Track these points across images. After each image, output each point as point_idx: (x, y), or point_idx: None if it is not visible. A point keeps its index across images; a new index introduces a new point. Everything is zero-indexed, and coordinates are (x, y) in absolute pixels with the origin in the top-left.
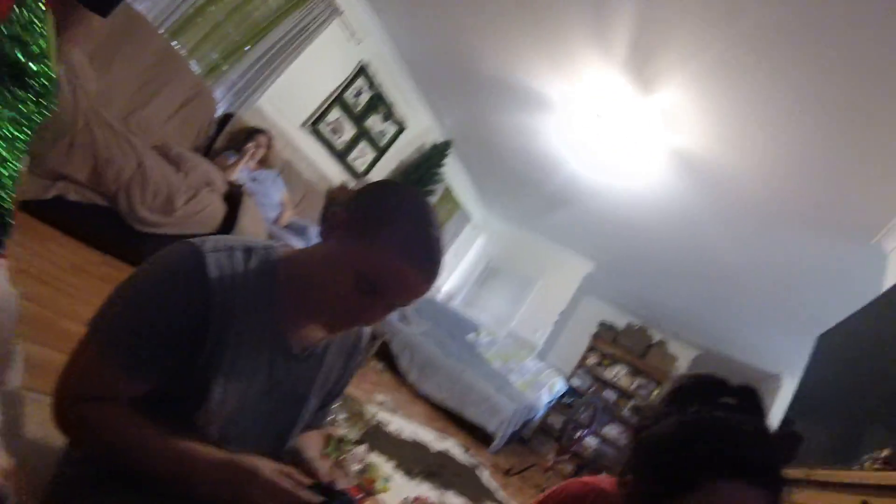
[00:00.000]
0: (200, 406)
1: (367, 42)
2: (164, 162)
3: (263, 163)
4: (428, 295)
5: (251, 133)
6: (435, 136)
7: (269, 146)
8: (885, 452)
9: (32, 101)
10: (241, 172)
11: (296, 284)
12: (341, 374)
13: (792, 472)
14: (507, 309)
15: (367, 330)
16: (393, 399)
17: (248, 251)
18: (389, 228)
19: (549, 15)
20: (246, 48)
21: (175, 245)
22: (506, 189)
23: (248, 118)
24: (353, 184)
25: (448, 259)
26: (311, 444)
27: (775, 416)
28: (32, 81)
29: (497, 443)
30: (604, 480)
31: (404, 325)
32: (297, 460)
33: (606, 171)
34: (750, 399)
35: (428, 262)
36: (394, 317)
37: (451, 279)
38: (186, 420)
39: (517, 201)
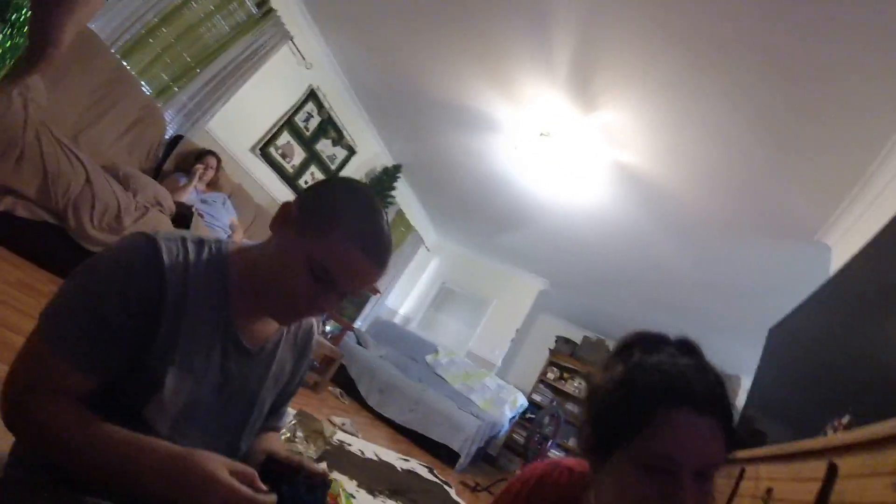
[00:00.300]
0: (150, 399)
1: (317, 67)
2: (112, 180)
3: (212, 185)
4: (385, 318)
5: (200, 154)
6: (385, 161)
7: (217, 168)
8: (846, 420)
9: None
10: (191, 194)
11: (248, 277)
12: (293, 371)
13: (758, 452)
14: (464, 330)
15: (315, 327)
16: (353, 422)
17: (201, 243)
18: (341, 219)
19: (493, 39)
20: (197, 70)
21: (128, 235)
22: (457, 211)
23: (197, 140)
24: None
25: (404, 282)
26: (271, 441)
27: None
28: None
29: (462, 461)
30: (569, 460)
31: (362, 349)
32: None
33: (554, 189)
34: (688, 346)
35: (378, 250)
36: (351, 341)
37: (408, 302)
38: (135, 415)
39: (469, 223)
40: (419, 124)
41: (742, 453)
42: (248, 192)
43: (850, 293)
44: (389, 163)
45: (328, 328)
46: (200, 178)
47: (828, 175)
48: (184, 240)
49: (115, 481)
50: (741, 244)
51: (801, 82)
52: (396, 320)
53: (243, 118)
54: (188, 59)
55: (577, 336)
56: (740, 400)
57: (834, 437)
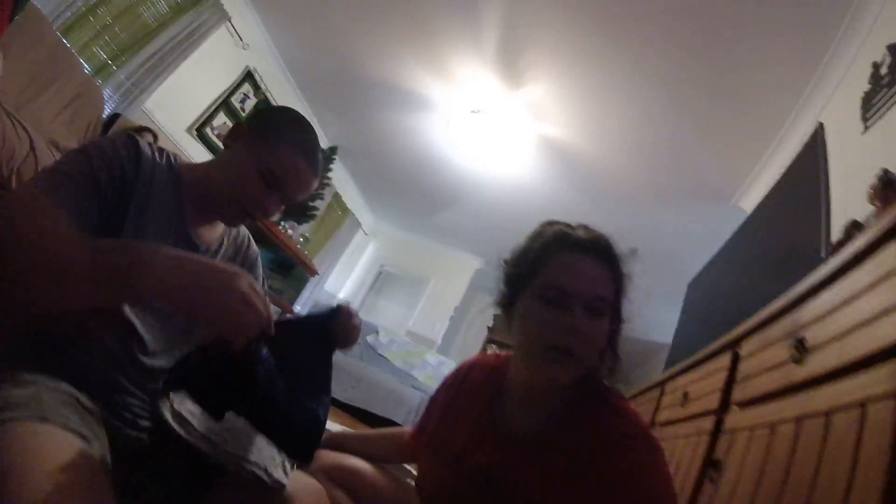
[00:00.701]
0: None
1: (254, 48)
2: (55, 151)
3: None
4: (325, 302)
5: (137, 131)
6: (321, 143)
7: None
8: None
9: None
10: None
11: (200, 186)
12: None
13: (673, 369)
14: (403, 311)
15: (249, 237)
16: None
17: (162, 152)
18: (287, 134)
19: (425, 19)
20: (135, 49)
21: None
22: (393, 193)
23: (135, 119)
24: None
25: (342, 266)
26: None
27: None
28: None
29: None
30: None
31: None
32: None
33: (485, 165)
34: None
35: (315, 159)
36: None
37: (347, 286)
38: None
39: (405, 204)
40: (354, 106)
41: (662, 375)
42: None
43: (756, 239)
44: (325, 145)
45: None
46: None
47: (741, 141)
48: (150, 145)
49: (119, 285)
50: (664, 211)
51: (712, 51)
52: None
53: (180, 98)
54: (126, 38)
55: None
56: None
57: (735, 331)
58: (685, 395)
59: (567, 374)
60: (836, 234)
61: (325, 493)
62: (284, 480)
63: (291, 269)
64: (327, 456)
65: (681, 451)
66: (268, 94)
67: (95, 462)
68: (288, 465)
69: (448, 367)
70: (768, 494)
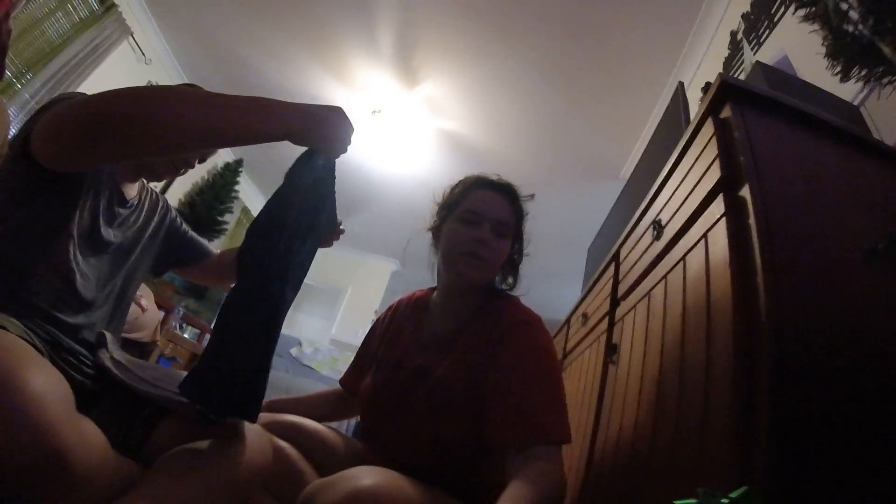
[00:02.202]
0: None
1: (156, 62)
2: None
3: None
4: None
5: None
6: (225, 156)
7: None
8: None
9: None
10: None
11: None
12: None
13: (573, 307)
14: (324, 322)
15: (166, 199)
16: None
17: None
18: None
19: (323, 25)
20: (39, 67)
21: None
22: None
23: None
24: None
25: None
26: None
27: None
28: None
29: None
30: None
31: None
32: None
33: (389, 165)
34: None
35: None
36: None
37: None
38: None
39: None
40: None
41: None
42: None
43: (630, 204)
44: (231, 158)
45: (186, 335)
46: None
47: (622, 118)
48: None
49: (242, 121)
50: (562, 192)
51: (589, 34)
52: None
53: None
54: (31, 56)
55: None
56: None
57: (617, 244)
58: (584, 315)
59: (477, 274)
60: None
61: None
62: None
63: (206, 290)
64: (264, 415)
65: (587, 358)
66: None
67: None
68: None
69: None
70: (655, 346)
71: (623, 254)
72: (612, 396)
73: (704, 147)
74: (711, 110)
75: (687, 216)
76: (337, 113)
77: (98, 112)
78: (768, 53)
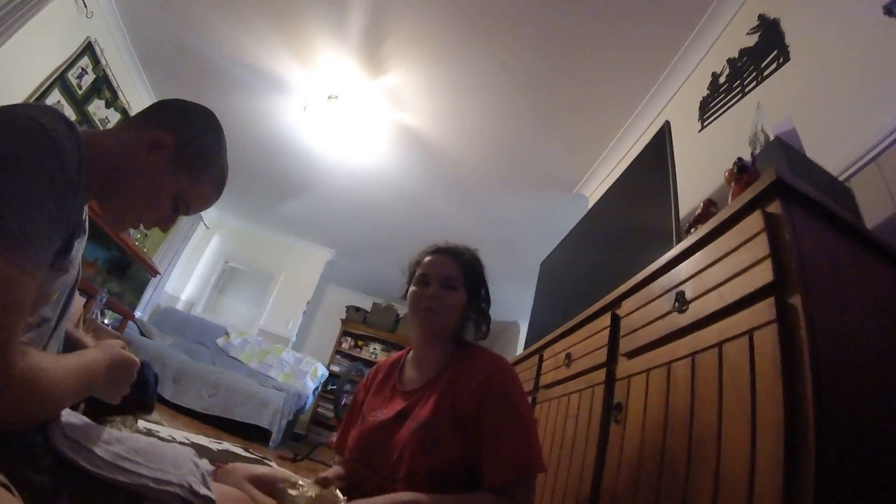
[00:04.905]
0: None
1: (98, 16)
2: None
3: None
4: (167, 305)
5: None
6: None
7: None
8: None
9: None
10: None
11: (105, 172)
12: None
13: (548, 336)
14: (252, 309)
15: None
16: (154, 418)
17: (70, 124)
18: (212, 169)
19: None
20: None
21: (15, 123)
22: (239, 183)
23: None
24: None
25: (183, 264)
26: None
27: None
28: None
29: (275, 437)
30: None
31: (147, 340)
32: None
33: (338, 152)
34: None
35: (224, 186)
36: (134, 332)
37: (189, 286)
38: None
39: (251, 195)
40: (202, 86)
41: (536, 344)
42: None
43: (607, 221)
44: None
45: (107, 320)
46: None
47: (585, 135)
48: (60, 119)
49: (83, 392)
50: (513, 199)
51: (563, 53)
52: (179, 306)
53: (10, 74)
54: None
55: (366, 303)
56: (522, 341)
57: (614, 292)
58: (568, 356)
59: (435, 324)
60: (683, 212)
61: (248, 498)
62: (211, 494)
63: (127, 269)
64: (246, 468)
65: (576, 404)
66: (107, 70)
67: None
68: (207, 475)
69: (305, 363)
70: (679, 422)
71: (626, 308)
72: (620, 456)
73: (750, 239)
74: (759, 201)
75: (725, 303)
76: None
77: None
78: (773, 119)
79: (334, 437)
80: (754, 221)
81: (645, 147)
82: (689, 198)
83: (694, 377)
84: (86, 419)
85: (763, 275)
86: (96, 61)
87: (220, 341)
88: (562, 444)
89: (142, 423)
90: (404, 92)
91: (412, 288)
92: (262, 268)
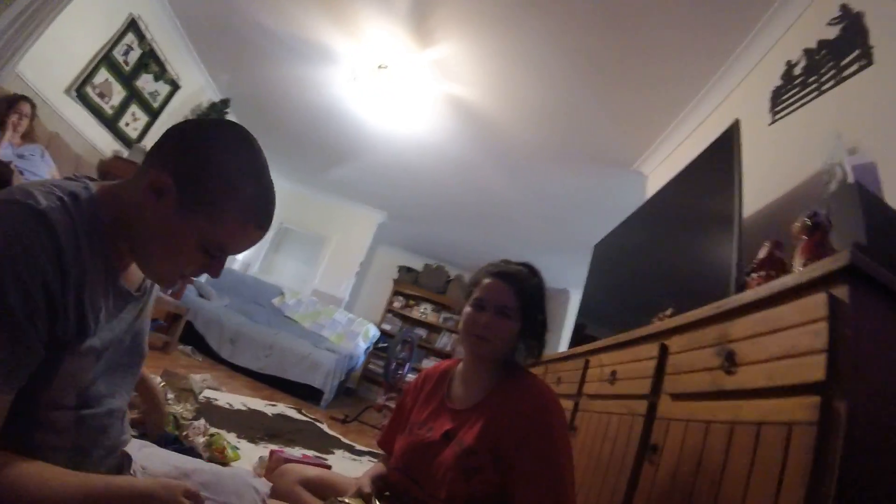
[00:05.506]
0: (51, 380)
1: None
2: None
3: (28, 136)
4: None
5: (11, 102)
6: (211, 95)
7: (32, 116)
8: (669, 311)
9: None
10: (5, 149)
11: (124, 232)
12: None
13: (597, 344)
14: (305, 269)
15: None
16: (212, 377)
17: (74, 199)
18: (231, 200)
19: None
20: (4, 5)
21: (10, 213)
22: (289, 147)
23: (7, 86)
24: (126, 153)
25: None
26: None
27: (569, 323)
28: None
29: (326, 396)
30: (446, 360)
31: (206, 301)
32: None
33: (389, 121)
34: (528, 265)
35: (269, 217)
36: (192, 294)
37: None
38: (33, 401)
39: (302, 159)
40: (249, 54)
41: (585, 346)
42: (65, 142)
43: (665, 213)
44: (217, 97)
45: None
46: (15, 130)
47: (644, 113)
48: (62, 200)
49: None
50: (566, 173)
51: (627, 28)
52: (235, 267)
53: (56, 57)
54: None
55: (417, 264)
56: (572, 309)
57: (661, 323)
58: (613, 373)
59: (483, 351)
60: (747, 212)
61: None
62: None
63: None
64: (298, 471)
65: (616, 427)
66: (154, 45)
67: None
68: (266, 499)
69: (357, 323)
70: (708, 483)
71: (675, 344)
72: (650, 496)
73: (810, 322)
74: (826, 282)
75: (772, 383)
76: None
77: None
78: (851, 138)
79: (382, 399)
80: (818, 305)
81: (711, 145)
82: (753, 196)
83: (729, 447)
84: (158, 455)
85: (815, 370)
86: (141, 37)
87: (276, 301)
88: (596, 465)
89: (204, 393)
90: (454, 63)
91: (467, 309)
92: (315, 230)
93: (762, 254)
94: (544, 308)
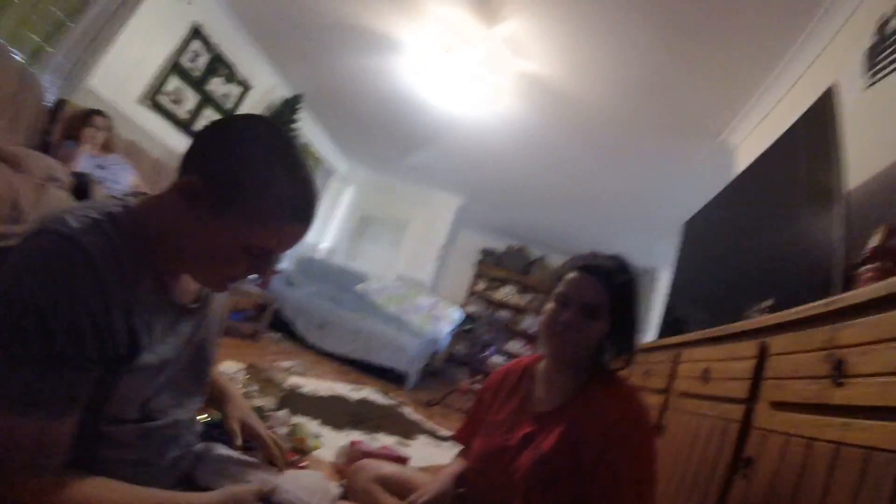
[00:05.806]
0: (110, 397)
1: (198, 2)
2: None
3: (106, 147)
4: (308, 255)
5: (87, 116)
6: (282, 92)
7: (109, 128)
8: (769, 302)
9: None
10: (85, 161)
11: (166, 245)
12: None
13: (691, 336)
14: (388, 254)
15: None
16: (299, 363)
17: (112, 218)
18: (264, 192)
19: None
20: (69, 25)
21: (40, 244)
22: (365, 136)
23: (81, 102)
24: None
25: (321, 215)
26: (227, 381)
27: (657, 304)
28: None
29: (411, 379)
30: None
31: (293, 289)
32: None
33: (461, 104)
34: (618, 258)
35: (312, 211)
36: (280, 283)
37: (328, 235)
38: (94, 417)
39: (378, 147)
40: (315, 49)
41: (676, 339)
42: (143, 148)
43: (759, 189)
44: (288, 93)
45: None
46: (92, 143)
47: (733, 79)
48: (98, 224)
49: None
50: (648, 147)
51: None
52: (320, 255)
53: (126, 69)
54: (58, 14)
55: (499, 245)
56: (661, 289)
57: (760, 319)
58: (706, 370)
59: (564, 354)
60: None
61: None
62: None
63: None
64: (374, 468)
65: (707, 431)
66: (220, 49)
67: None
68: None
69: (441, 308)
70: None
71: (776, 345)
72: None
73: None
74: None
75: (886, 403)
76: None
77: None
78: None
79: (466, 383)
80: None
81: (804, 115)
82: (854, 172)
83: (833, 471)
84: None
85: None
86: (207, 43)
87: (360, 287)
88: (683, 471)
89: (288, 381)
90: (525, 38)
91: (549, 304)
92: (395, 215)
93: (874, 241)
94: (636, 307)
